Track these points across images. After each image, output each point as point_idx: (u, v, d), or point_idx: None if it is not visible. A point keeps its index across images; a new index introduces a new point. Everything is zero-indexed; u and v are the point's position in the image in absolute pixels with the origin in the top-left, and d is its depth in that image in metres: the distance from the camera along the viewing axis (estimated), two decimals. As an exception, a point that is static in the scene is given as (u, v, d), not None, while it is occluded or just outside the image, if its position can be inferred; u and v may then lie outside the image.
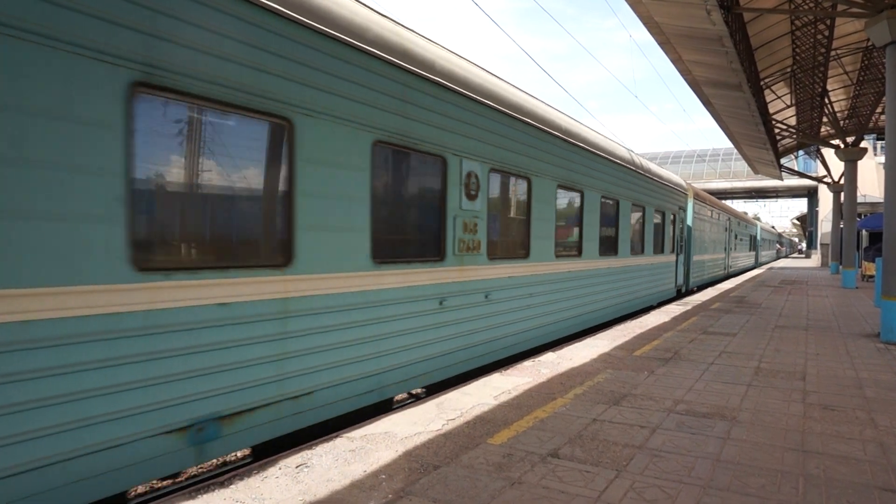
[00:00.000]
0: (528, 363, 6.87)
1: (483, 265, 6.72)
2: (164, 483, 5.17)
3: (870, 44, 17.04)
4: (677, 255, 16.30)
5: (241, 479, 3.46)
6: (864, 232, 30.03)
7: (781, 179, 36.25)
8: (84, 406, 3.07)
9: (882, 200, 9.83)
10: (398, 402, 6.47)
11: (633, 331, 9.59)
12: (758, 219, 63.99)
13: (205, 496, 3.24)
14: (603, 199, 10.14)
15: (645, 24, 12.35)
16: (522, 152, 7.49)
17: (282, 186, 4.19)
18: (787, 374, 6.52)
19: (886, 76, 9.54)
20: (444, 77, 5.92)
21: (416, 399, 6.64)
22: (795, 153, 34.35)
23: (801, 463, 3.83)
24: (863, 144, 24.29)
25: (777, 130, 24.46)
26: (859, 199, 28.31)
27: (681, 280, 17.22)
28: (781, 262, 51.92)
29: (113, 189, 3.14)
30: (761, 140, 22.28)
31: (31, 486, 2.90)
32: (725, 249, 26.74)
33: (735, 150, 31.62)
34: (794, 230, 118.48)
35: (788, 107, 23.48)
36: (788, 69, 19.40)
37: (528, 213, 7.75)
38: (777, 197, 68.28)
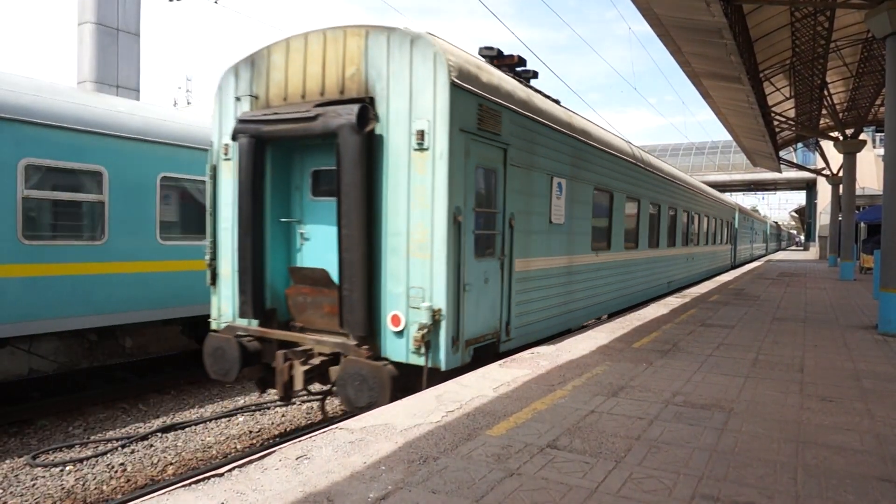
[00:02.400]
0: (526, 355, 6.89)
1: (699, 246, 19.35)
2: (165, 477, 5.19)
3: (869, 35, 16.99)
4: (730, 245, 27.73)
5: (242, 470, 3.47)
6: (862, 224, 30.06)
7: (780, 172, 36.17)
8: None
9: (881, 193, 9.84)
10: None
11: (632, 323, 9.61)
12: (756, 211, 64.46)
13: (205, 487, 3.26)
14: (708, 218, 20.58)
15: (644, 15, 12.27)
16: (711, 211, 20.81)
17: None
18: (785, 365, 6.54)
19: (886, 68, 9.52)
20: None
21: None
22: (794, 146, 34.36)
23: (798, 454, 3.85)
24: (862, 137, 24.28)
25: (776, 123, 24.40)
26: (858, 192, 28.34)
27: (732, 260, 28.43)
28: (780, 255, 52.10)
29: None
30: (760, 132, 22.25)
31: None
32: (751, 241, 39.01)
33: (734, 143, 31.60)
34: (793, 223, 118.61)
35: (787, 99, 23.41)
36: (788, 61, 19.33)
37: (708, 228, 20.77)
38: (776, 189, 68.23)
